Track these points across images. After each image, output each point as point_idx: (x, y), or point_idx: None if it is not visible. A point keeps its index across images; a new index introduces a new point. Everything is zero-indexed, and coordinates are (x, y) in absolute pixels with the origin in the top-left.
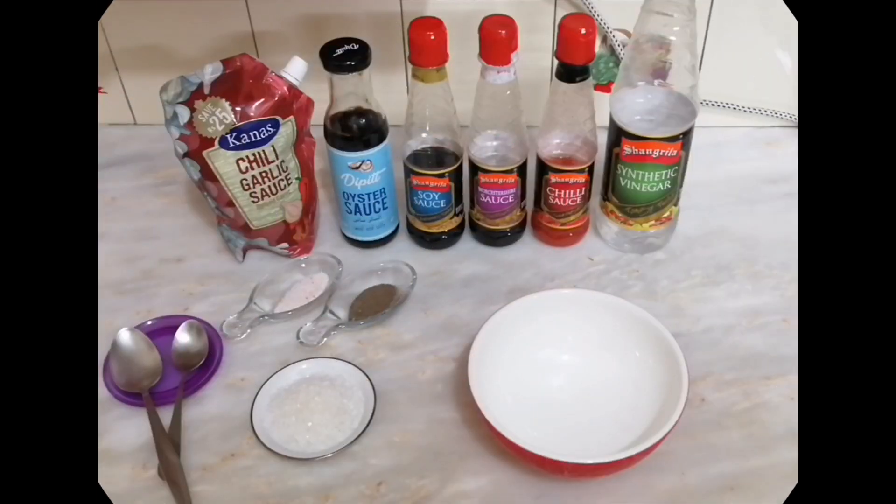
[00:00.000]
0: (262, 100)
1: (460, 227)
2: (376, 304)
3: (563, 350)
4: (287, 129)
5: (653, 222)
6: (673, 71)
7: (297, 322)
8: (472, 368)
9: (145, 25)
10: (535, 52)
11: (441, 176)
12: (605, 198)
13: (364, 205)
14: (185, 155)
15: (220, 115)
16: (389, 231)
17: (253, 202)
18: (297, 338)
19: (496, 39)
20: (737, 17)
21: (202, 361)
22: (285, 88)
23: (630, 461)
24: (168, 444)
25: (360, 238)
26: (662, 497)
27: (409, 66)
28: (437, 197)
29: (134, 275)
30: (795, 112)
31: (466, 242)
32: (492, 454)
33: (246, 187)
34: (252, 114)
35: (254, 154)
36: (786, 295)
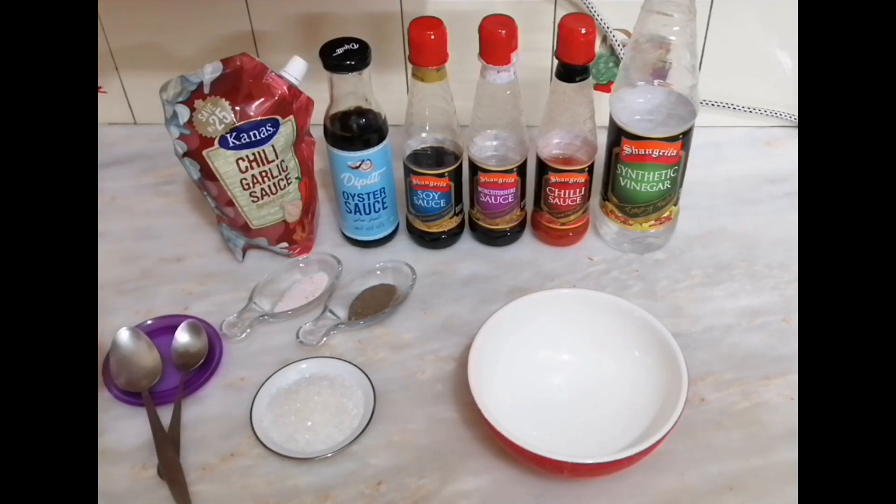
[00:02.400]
0: (262, 99)
1: (460, 227)
2: (376, 304)
3: (562, 350)
4: (287, 128)
5: (652, 222)
6: (673, 71)
7: (297, 322)
8: (472, 368)
9: (145, 25)
10: (535, 52)
11: (441, 175)
12: (604, 197)
13: (364, 204)
14: (185, 154)
15: (219, 115)
16: (389, 231)
17: (253, 202)
18: (297, 337)
19: (496, 39)
20: (737, 17)
21: (202, 361)
22: (285, 88)
23: (630, 461)
24: (168, 443)
25: (359, 238)
26: (662, 497)
27: (409, 66)
28: (436, 197)
29: (134, 274)
30: (795, 112)
31: (466, 242)
32: (492, 454)
33: (246, 187)
34: (252, 113)
35: (253, 154)
36: (785, 295)
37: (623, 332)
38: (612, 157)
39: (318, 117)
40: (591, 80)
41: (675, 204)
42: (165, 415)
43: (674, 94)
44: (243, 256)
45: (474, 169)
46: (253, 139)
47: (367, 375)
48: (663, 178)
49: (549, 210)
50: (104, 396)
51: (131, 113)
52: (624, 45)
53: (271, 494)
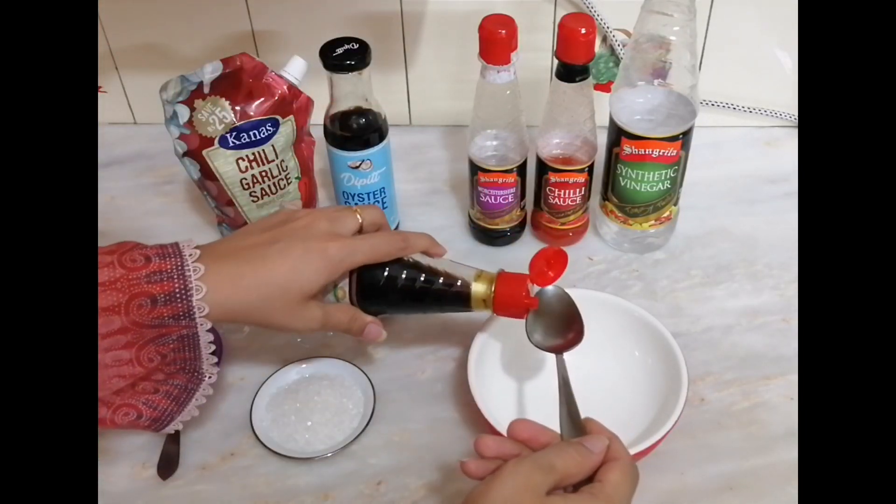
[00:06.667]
0: (262, 99)
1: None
2: None
3: None
4: (286, 128)
5: (652, 222)
6: (673, 71)
7: None
8: (472, 368)
9: (145, 25)
10: (535, 52)
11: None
12: (604, 197)
13: (364, 204)
14: (185, 154)
15: (219, 115)
16: None
17: (252, 201)
18: (297, 337)
19: (496, 39)
20: (737, 17)
21: None
22: (285, 87)
23: None
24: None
25: None
26: (662, 497)
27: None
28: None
29: None
30: (795, 112)
31: (466, 242)
32: None
33: (245, 186)
34: (252, 113)
35: (253, 153)
36: (785, 295)
37: (623, 332)
38: (612, 157)
39: (318, 117)
40: (591, 80)
41: (675, 204)
42: None
43: (674, 94)
44: None
45: (474, 168)
46: (253, 139)
47: (367, 375)
48: (663, 177)
49: (549, 210)
50: None
51: (131, 113)
52: (624, 45)
53: (271, 494)
